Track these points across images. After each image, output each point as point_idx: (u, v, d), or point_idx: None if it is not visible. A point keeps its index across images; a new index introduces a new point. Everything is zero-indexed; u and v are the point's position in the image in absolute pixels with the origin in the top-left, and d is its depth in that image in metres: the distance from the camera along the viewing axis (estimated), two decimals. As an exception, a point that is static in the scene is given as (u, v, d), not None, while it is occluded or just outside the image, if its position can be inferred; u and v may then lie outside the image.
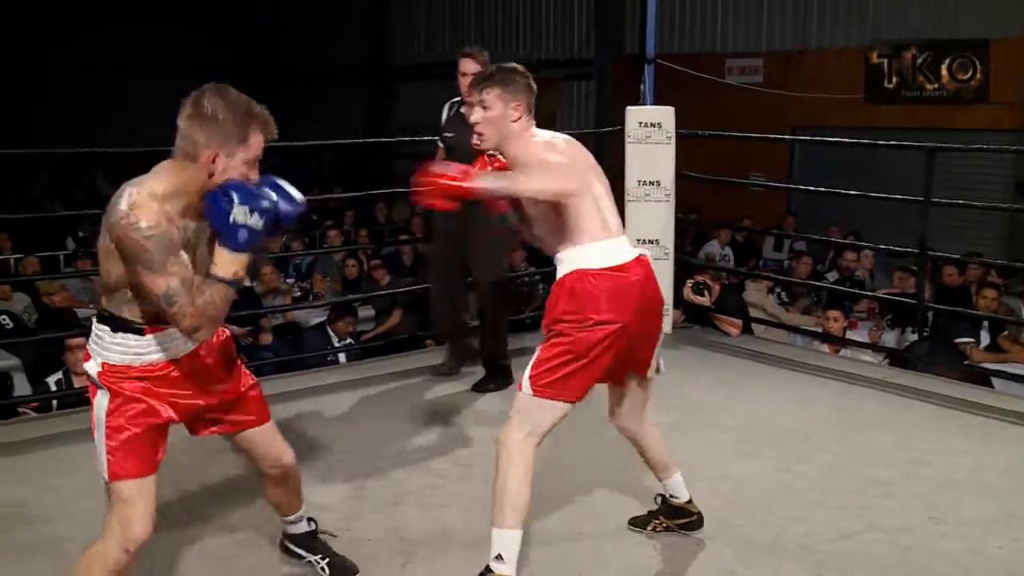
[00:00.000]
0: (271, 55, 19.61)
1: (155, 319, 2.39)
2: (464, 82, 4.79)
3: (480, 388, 4.96)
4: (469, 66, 4.77)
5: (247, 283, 7.64)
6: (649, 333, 2.93)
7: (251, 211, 2.24)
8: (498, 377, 4.97)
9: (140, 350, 2.41)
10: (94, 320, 2.47)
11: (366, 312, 8.08)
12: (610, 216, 2.88)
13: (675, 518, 3.26)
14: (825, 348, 6.24)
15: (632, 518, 3.35)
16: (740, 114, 11.28)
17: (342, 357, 6.69)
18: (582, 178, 2.84)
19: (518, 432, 2.79)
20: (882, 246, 7.04)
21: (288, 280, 9.09)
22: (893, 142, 7.82)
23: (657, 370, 3.10)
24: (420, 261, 10.04)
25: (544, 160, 2.81)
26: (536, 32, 15.05)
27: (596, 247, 2.81)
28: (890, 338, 6.85)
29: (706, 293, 6.05)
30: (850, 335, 6.59)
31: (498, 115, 2.87)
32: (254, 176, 2.35)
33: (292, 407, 4.64)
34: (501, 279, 5.02)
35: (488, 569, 2.77)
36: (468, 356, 5.17)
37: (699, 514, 3.27)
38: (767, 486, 3.81)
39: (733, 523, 3.39)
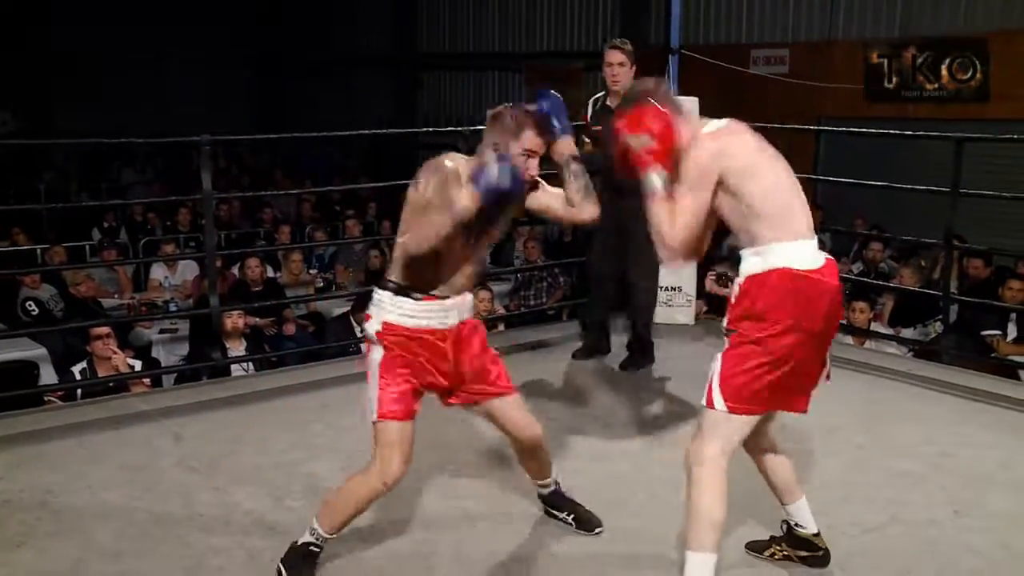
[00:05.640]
0: (296, 45, 19.62)
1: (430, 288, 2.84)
2: (610, 73, 4.83)
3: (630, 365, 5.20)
4: (615, 56, 4.82)
5: (272, 274, 7.63)
6: (826, 346, 2.77)
7: (501, 175, 2.66)
8: (648, 353, 5.26)
9: (415, 314, 2.85)
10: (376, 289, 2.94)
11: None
12: (801, 215, 2.70)
13: (798, 549, 3.05)
14: (849, 340, 6.19)
15: (750, 542, 3.18)
16: (765, 105, 11.18)
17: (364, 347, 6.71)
18: (763, 172, 2.68)
19: (711, 448, 2.67)
20: (907, 237, 6.96)
21: (311, 271, 9.13)
22: (921, 132, 7.73)
23: (827, 376, 2.86)
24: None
25: (703, 172, 2.66)
26: (560, 23, 14.96)
27: (792, 247, 2.64)
28: (910, 331, 6.77)
29: (729, 284, 6.01)
30: (874, 327, 6.53)
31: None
32: (533, 168, 2.87)
33: (314, 397, 4.66)
34: (655, 281, 5.22)
35: None
36: (601, 351, 5.33)
37: (826, 551, 3.03)
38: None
39: (757, 516, 3.37)
